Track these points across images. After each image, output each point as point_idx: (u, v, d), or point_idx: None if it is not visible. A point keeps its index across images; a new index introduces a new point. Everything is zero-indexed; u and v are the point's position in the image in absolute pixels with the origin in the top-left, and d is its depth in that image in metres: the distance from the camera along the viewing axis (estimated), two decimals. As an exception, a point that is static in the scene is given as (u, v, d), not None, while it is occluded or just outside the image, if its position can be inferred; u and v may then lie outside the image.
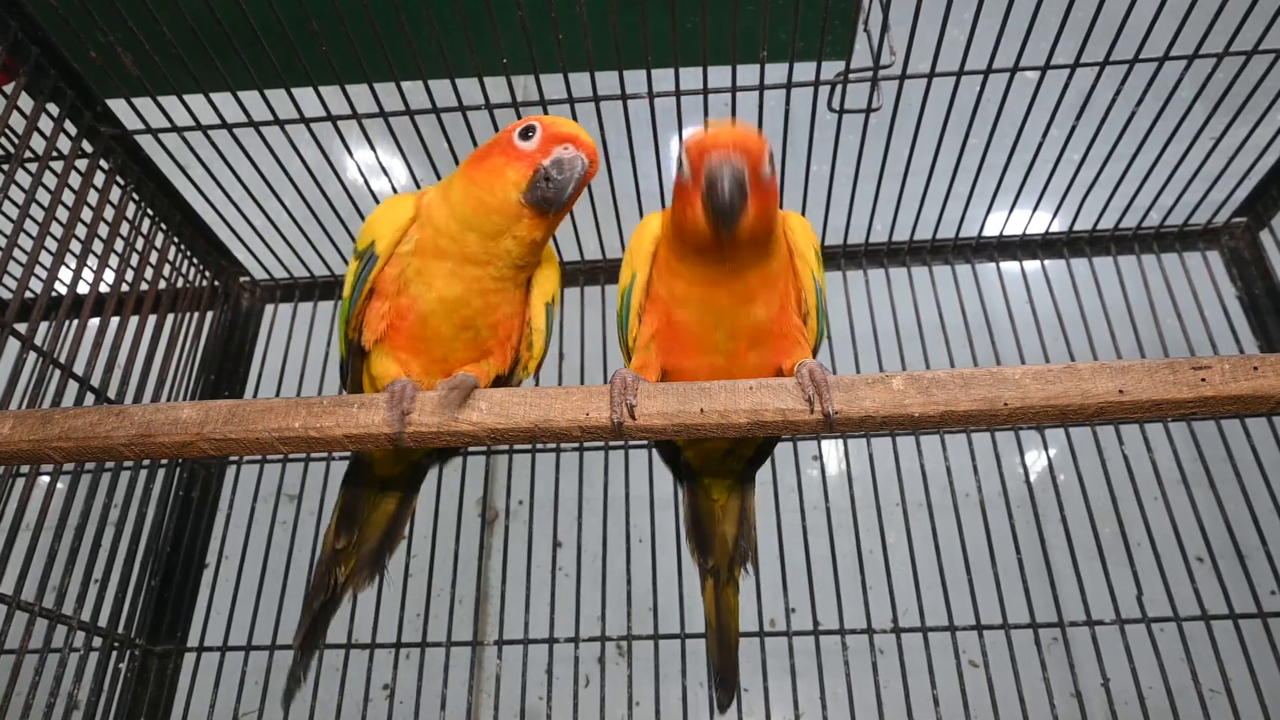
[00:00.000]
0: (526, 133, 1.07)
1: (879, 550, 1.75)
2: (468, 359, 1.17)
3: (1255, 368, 0.98)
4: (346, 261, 2.09)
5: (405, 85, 1.61)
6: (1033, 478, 1.93)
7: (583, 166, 1.05)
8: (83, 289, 1.63)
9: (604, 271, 2.12)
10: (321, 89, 1.63)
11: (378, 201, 1.85)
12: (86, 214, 1.64)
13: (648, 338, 1.13)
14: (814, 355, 1.17)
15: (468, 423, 1.04)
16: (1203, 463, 1.77)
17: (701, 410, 1.02)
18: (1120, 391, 0.98)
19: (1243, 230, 2.04)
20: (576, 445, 1.94)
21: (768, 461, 1.87)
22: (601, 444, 1.91)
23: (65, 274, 1.61)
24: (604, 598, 1.72)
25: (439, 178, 1.80)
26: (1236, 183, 1.89)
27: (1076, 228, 2.05)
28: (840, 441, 2.06)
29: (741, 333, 1.09)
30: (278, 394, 2.01)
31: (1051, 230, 2.06)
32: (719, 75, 1.62)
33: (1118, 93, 1.67)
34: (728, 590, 1.32)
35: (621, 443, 1.89)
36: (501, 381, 1.24)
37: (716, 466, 1.26)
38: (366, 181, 1.84)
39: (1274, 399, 0.97)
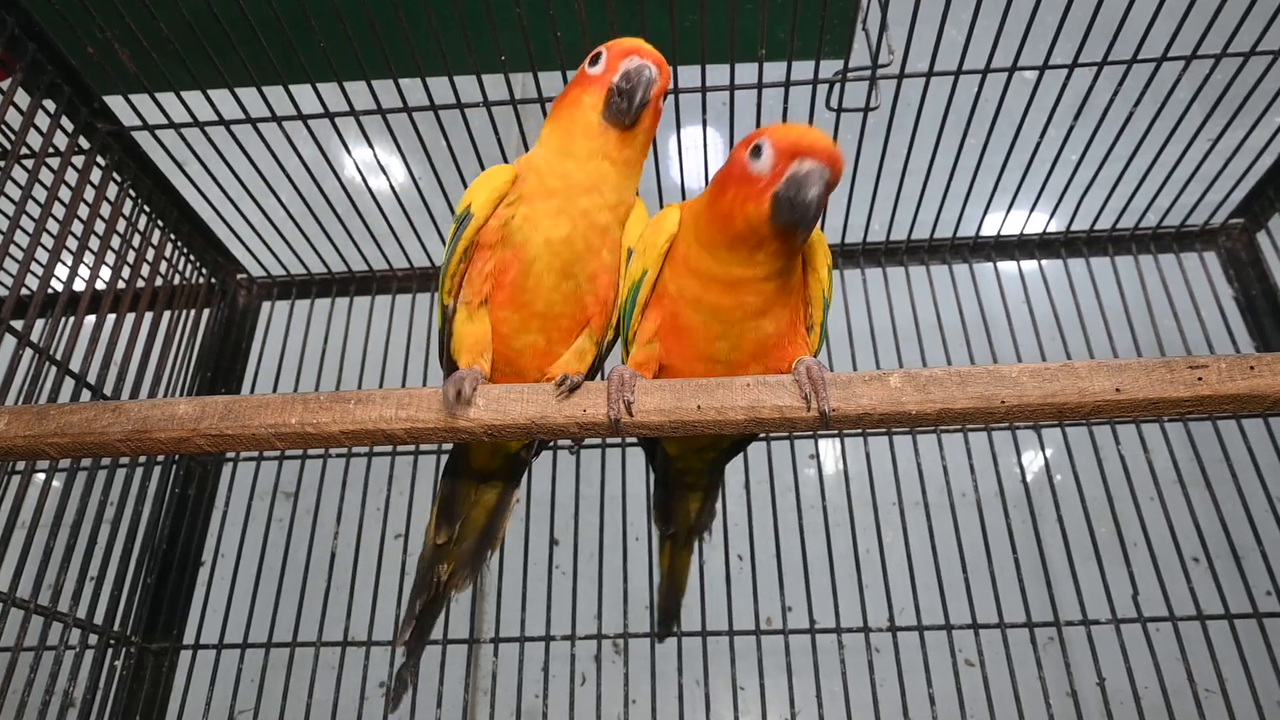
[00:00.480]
0: (594, 60, 1.12)
1: (875, 549, 1.75)
2: (567, 320, 1.15)
3: (1252, 367, 0.98)
4: (344, 259, 2.09)
5: (403, 82, 1.61)
6: (1029, 478, 1.93)
7: (650, 73, 1.08)
8: (79, 285, 1.63)
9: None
10: (319, 86, 1.63)
11: (375, 199, 1.87)
12: (83, 210, 1.64)
13: (650, 334, 1.12)
14: (815, 352, 1.17)
15: (465, 419, 1.04)
16: (1199, 463, 1.77)
17: (699, 407, 1.02)
18: (1117, 390, 0.98)
19: (1239, 231, 2.04)
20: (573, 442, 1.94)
21: (765, 460, 1.89)
22: (599, 441, 1.90)
23: (62, 270, 1.61)
24: (600, 596, 1.72)
25: (437, 176, 1.80)
26: (1234, 184, 1.90)
27: (1074, 228, 2.05)
28: (837, 441, 2.07)
29: (745, 345, 1.09)
30: (274, 392, 2.01)
31: (1049, 230, 2.06)
32: (717, 73, 1.62)
33: (1115, 93, 1.67)
34: (683, 553, 1.40)
35: (619, 440, 1.89)
36: (602, 358, 1.23)
37: (692, 456, 1.27)
38: (364, 179, 1.83)
39: (1270, 398, 0.97)
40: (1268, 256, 1.98)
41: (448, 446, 1.95)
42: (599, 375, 1.26)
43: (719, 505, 1.42)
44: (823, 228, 1.97)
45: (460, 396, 1.04)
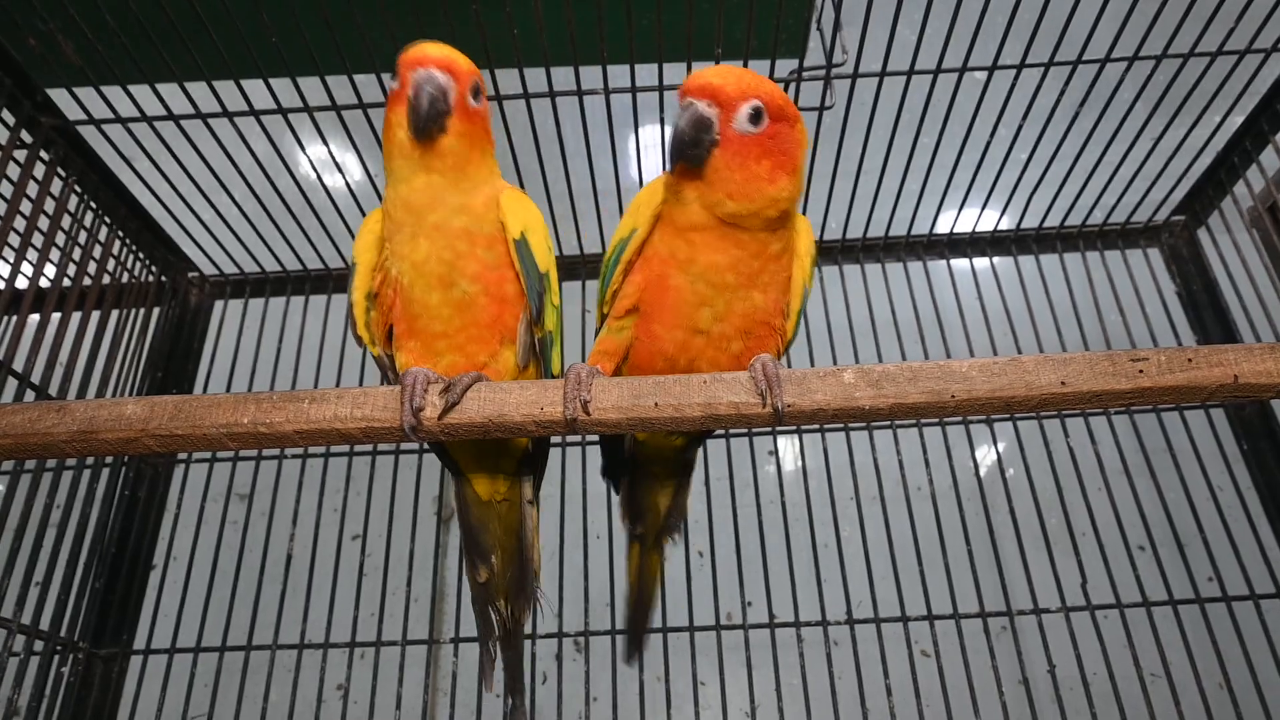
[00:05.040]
0: (395, 74, 1.07)
1: (833, 543, 1.77)
2: (475, 328, 1.12)
3: (1190, 359, 1.01)
4: (299, 257, 2.06)
5: (358, 78, 1.59)
6: (982, 471, 1.97)
7: (434, 83, 1.02)
8: (22, 283, 1.58)
9: (561, 268, 2.12)
10: (272, 81, 1.60)
11: (330, 196, 1.85)
12: (26, 207, 1.60)
13: (627, 304, 1.10)
14: (786, 348, 1.17)
15: (423, 419, 1.04)
16: (1144, 454, 1.82)
17: (656, 404, 1.03)
18: (1062, 383, 1.01)
19: (1181, 228, 2.10)
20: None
21: (724, 457, 1.90)
22: (559, 440, 1.90)
23: (3, 268, 1.56)
24: (561, 594, 1.72)
25: (393, 172, 1.78)
26: (1175, 182, 1.95)
27: (1023, 225, 2.09)
28: (796, 437, 2.09)
29: (732, 316, 1.08)
30: (228, 392, 1.98)
31: (999, 228, 2.11)
32: (675, 72, 1.62)
33: (1062, 93, 1.71)
34: (652, 556, 1.34)
35: (578, 438, 1.89)
36: (544, 352, 1.19)
37: (661, 439, 1.24)
38: (319, 176, 1.81)
39: (1207, 389, 1.00)
40: (1208, 252, 2.04)
41: (407, 446, 1.94)
42: (546, 365, 1.24)
43: (688, 504, 1.36)
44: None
45: (415, 407, 1.02)
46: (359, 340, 1.19)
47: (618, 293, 1.12)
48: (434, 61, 1.04)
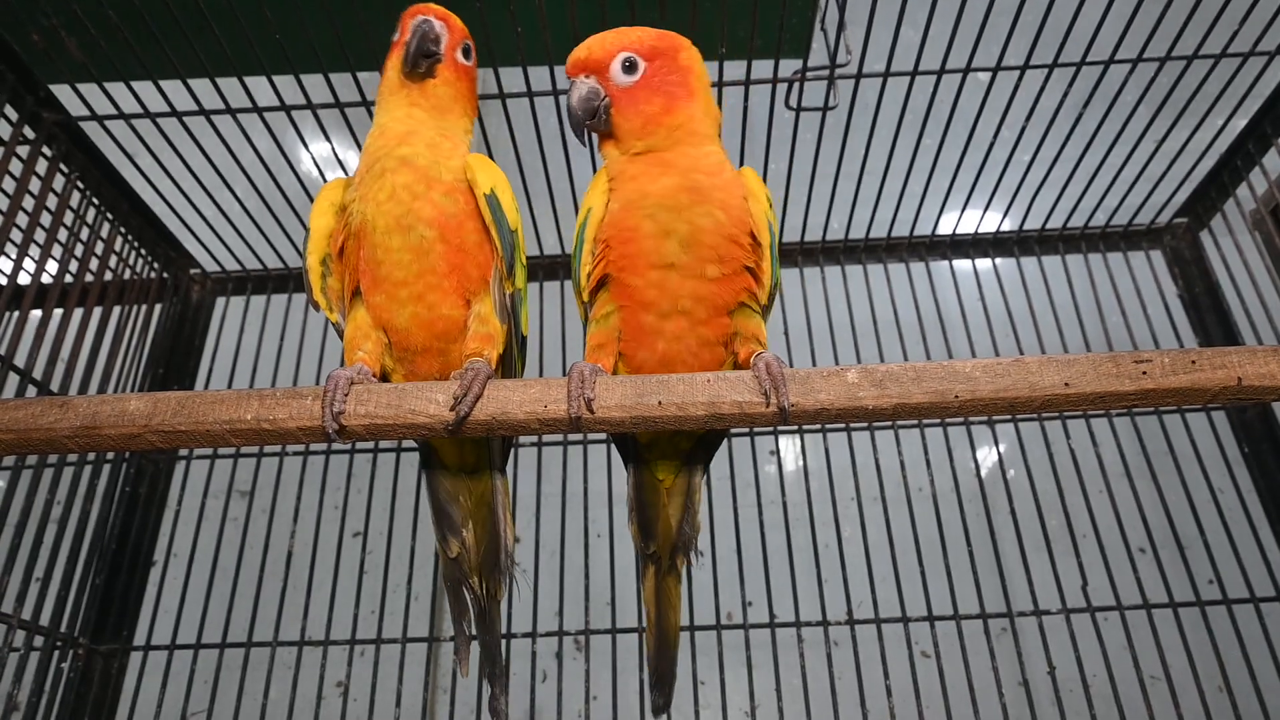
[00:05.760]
0: (395, 29, 1.23)
1: (834, 544, 1.77)
2: (431, 276, 1.12)
3: (1193, 361, 1.01)
4: (301, 254, 2.05)
5: (362, 75, 1.59)
6: (983, 473, 1.97)
7: (429, 26, 1.17)
8: (24, 280, 1.58)
9: (563, 267, 2.12)
10: (275, 77, 1.60)
11: (333, 193, 1.84)
12: (28, 202, 1.60)
13: (600, 269, 1.11)
14: (770, 299, 1.16)
15: (425, 415, 1.04)
16: (1145, 455, 1.82)
17: (659, 403, 1.03)
18: (1066, 384, 1.01)
19: (1184, 231, 2.10)
20: (535, 440, 1.93)
21: (725, 457, 1.90)
22: (560, 439, 1.90)
23: (5, 264, 1.56)
24: (561, 592, 1.72)
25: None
26: (1178, 184, 1.95)
27: (1026, 227, 2.09)
28: (797, 437, 2.09)
29: (699, 236, 1.07)
30: (229, 388, 1.98)
31: (1002, 229, 2.11)
32: (678, 71, 1.62)
33: (1065, 95, 1.71)
34: (669, 580, 1.27)
35: (580, 437, 1.89)
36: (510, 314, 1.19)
37: (665, 444, 1.24)
38: (322, 173, 1.81)
39: (1210, 391, 1.00)
40: (1210, 255, 2.04)
41: (408, 443, 1.94)
42: (515, 323, 1.22)
43: (699, 514, 1.29)
44: (782, 226, 1.99)
45: (331, 407, 1.02)
46: (315, 306, 1.21)
47: (591, 273, 1.13)
48: (433, 13, 1.20)
